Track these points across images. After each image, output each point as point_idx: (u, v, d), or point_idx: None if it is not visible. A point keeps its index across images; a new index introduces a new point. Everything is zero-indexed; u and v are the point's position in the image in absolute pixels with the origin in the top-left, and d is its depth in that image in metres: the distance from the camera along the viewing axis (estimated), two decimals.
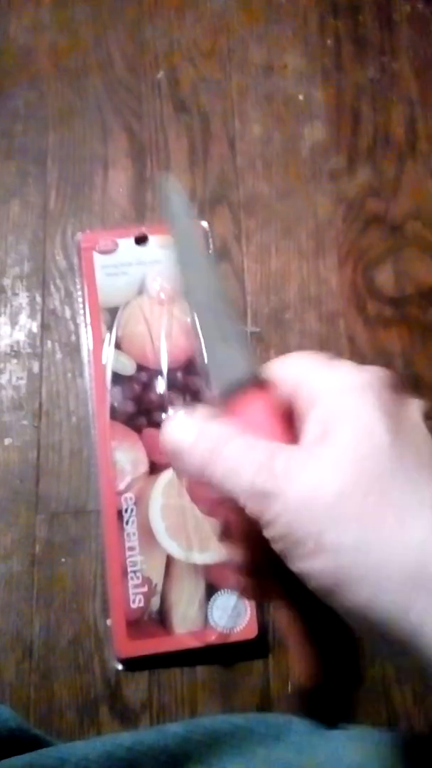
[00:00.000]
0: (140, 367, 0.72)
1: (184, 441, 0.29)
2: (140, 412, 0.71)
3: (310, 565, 0.25)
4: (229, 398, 0.30)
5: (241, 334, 0.33)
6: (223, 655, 0.65)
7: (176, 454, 0.30)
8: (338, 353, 0.75)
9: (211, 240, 0.78)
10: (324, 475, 0.25)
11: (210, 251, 0.78)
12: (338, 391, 0.27)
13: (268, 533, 0.26)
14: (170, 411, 0.71)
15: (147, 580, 0.66)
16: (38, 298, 0.77)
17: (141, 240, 0.77)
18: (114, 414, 0.70)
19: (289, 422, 0.29)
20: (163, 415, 0.71)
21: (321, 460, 0.26)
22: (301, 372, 0.29)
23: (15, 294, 0.77)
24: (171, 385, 0.72)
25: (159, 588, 0.66)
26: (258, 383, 0.30)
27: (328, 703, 0.28)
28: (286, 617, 0.30)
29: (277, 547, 0.26)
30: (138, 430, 0.70)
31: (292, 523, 0.25)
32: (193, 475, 0.29)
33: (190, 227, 0.36)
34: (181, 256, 0.35)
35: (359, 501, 0.25)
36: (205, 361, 0.32)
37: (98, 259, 0.76)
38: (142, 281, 0.75)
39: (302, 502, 0.25)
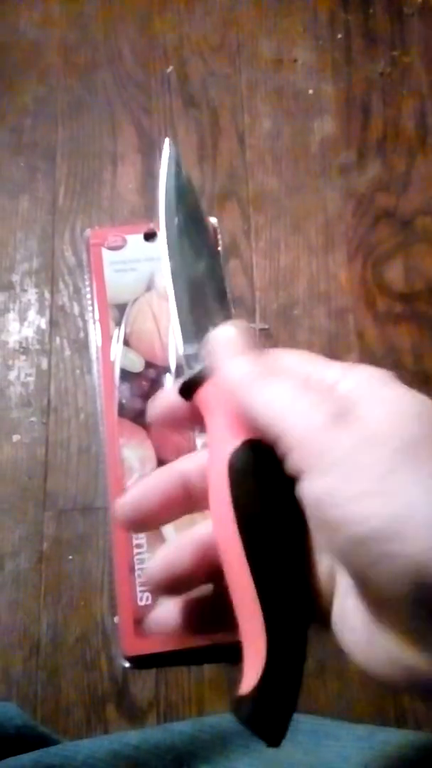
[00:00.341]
0: (149, 364, 0.72)
1: (241, 361, 0.28)
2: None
3: (363, 506, 0.22)
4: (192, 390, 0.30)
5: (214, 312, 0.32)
6: (231, 653, 0.65)
7: (228, 369, 0.28)
8: (347, 349, 0.74)
9: (220, 236, 0.78)
10: (393, 419, 0.24)
11: (219, 247, 0.77)
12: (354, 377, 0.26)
13: (317, 467, 0.24)
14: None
15: None
16: (47, 295, 0.76)
17: (150, 236, 0.77)
18: (122, 411, 0.70)
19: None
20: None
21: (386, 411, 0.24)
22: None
23: (24, 290, 0.77)
24: None
25: None
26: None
27: (274, 717, 0.27)
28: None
29: (321, 484, 0.24)
30: (146, 427, 0.70)
31: (358, 458, 0.23)
32: (237, 390, 0.27)
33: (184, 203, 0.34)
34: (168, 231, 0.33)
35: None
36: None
37: (107, 255, 0.76)
38: (151, 277, 0.75)
39: (371, 437, 0.23)
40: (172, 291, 0.32)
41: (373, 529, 0.22)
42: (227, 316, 0.31)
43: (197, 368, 0.29)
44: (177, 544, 0.30)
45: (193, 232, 0.33)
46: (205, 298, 0.32)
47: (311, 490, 0.24)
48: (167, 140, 0.34)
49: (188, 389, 0.30)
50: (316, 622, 0.28)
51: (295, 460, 0.25)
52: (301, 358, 0.28)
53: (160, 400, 0.31)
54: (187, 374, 0.30)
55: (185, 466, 0.30)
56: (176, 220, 0.33)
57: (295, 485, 0.25)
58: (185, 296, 0.32)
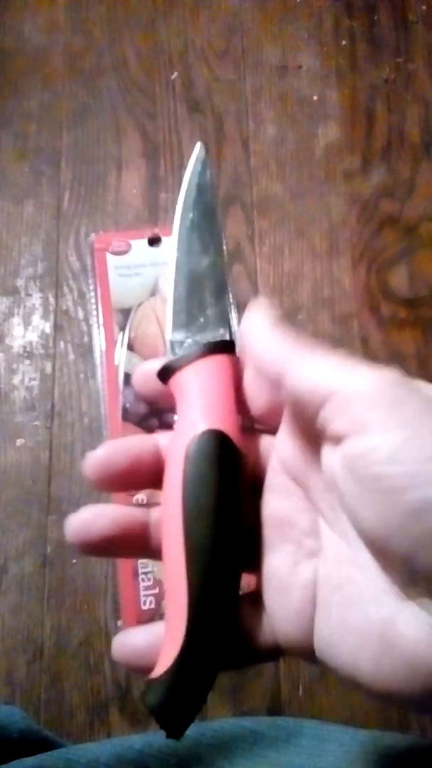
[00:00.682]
0: None
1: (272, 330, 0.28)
2: (152, 414, 0.71)
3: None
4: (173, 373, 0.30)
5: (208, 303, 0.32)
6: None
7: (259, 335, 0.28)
8: (352, 355, 0.74)
9: (224, 241, 0.78)
10: None
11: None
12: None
13: (379, 427, 0.23)
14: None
15: (158, 582, 0.66)
16: (51, 299, 0.77)
17: (154, 241, 0.77)
18: (126, 415, 0.70)
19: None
20: (175, 417, 0.70)
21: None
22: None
23: (28, 295, 0.77)
24: None
25: None
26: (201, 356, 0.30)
27: (179, 707, 0.27)
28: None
29: (386, 442, 0.22)
30: (150, 431, 0.70)
31: (428, 420, 0.22)
32: (266, 360, 0.27)
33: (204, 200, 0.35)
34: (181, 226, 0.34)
35: None
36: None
37: (111, 260, 0.76)
38: (155, 282, 0.75)
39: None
40: (173, 278, 0.32)
41: (393, 484, 0.21)
42: (223, 312, 0.32)
43: (179, 355, 0.30)
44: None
45: (204, 230, 0.33)
46: (203, 291, 0.32)
47: (372, 448, 0.23)
48: (199, 143, 0.34)
49: (166, 373, 0.30)
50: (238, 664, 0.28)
51: (346, 421, 0.23)
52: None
53: (141, 372, 0.31)
54: (168, 358, 0.30)
55: (161, 440, 0.30)
56: (191, 215, 0.33)
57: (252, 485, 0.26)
58: (183, 286, 0.32)
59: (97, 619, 0.66)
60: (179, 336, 0.31)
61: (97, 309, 0.75)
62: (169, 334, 0.31)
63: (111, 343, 0.73)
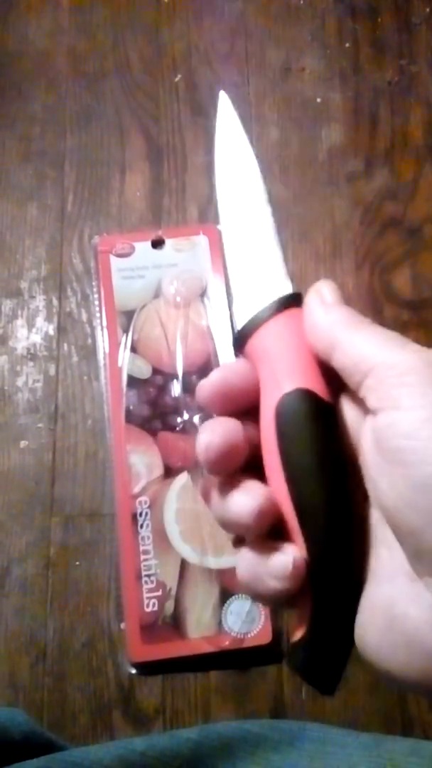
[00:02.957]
0: (156, 371, 0.72)
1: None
2: (155, 416, 0.71)
3: None
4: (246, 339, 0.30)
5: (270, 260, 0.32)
6: (237, 660, 0.65)
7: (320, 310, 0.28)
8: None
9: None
10: None
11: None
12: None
13: (417, 398, 0.24)
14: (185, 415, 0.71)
15: (161, 585, 0.66)
16: (55, 301, 0.77)
17: (157, 243, 0.77)
18: (129, 417, 0.70)
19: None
20: (178, 419, 0.71)
21: None
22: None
23: (32, 297, 0.77)
24: (186, 388, 0.71)
25: (173, 592, 0.66)
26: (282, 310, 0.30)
27: (327, 665, 0.27)
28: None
29: (420, 414, 0.24)
30: (153, 433, 0.70)
31: None
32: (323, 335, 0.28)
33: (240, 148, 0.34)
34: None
35: None
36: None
37: (115, 262, 0.76)
38: (158, 285, 0.75)
39: None
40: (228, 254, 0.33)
41: None
42: (281, 269, 0.32)
43: (248, 319, 0.30)
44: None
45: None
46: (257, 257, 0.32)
47: (400, 420, 0.24)
48: (222, 92, 0.35)
49: (240, 341, 0.30)
50: None
51: (377, 398, 0.25)
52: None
53: (213, 374, 0.30)
54: (240, 325, 0.30)
55: None
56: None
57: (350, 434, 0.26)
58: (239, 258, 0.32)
59: (100, 622, 0.66)
60: (245, 303, 0.31)
61: (100, 311, 0.75)
62: (236, 304, 0.31)
63: (114, 345, 0.73)
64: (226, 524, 0.28)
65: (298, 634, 0.28)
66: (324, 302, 0.28)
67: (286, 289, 0.31)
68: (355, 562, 0.27)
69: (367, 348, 0.26)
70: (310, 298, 0.29)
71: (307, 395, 0.27)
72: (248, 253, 0.32)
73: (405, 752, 0.45)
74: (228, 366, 0.30)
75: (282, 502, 0.27)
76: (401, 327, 0.76)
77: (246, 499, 0.27)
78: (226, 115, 0.34)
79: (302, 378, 0.28)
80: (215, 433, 0.27)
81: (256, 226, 0.33)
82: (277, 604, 0.29)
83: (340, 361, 0.27)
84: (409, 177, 0.82)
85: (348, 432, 0.28)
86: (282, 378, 0.28)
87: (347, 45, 0.88)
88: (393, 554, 0.26)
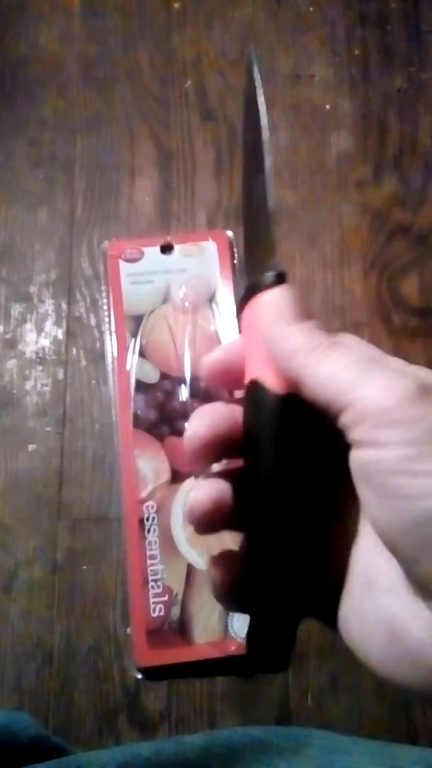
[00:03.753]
0: (164, 376, 0.72)
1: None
2: (163, 420, 0.71)
3: None
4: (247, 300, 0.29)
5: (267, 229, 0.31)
6: (243, 666, 0.65)
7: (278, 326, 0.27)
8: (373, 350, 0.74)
9: (236, 248, 0.78)
10: None
11: (236, 260, 0.77)
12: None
13: (395, 438, 0.23)
14: None
15: (168, 590, 0.66)
16: (64, 306, 0.77)
17: (166, 249, 0.77)
18: (137, 422, 0.71)
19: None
20: (186, 424, 0.71)
21: None
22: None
23: (41, 301, 0.77)
24: (194, 393, 0.72)
25: (179, 597, 0.66)
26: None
27: (270, 648, 0.28)
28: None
29: (398, 454, 0.23)
30: (160, 438, 0.70)
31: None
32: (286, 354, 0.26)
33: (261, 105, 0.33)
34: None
35: None
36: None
37: (124, 267, 0.76)
38: (167, 290, 0.75)
39: None
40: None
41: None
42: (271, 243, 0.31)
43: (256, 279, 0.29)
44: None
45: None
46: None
47: (384, 459, 0.23)
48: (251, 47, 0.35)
49: (239, 312, 0.30)
50: (313, 615, 0.28)
51: (358, 433, 0.24)
52: (360, 341, 0.27)
53: (214, 352, 0.30)
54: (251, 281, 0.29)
55: None
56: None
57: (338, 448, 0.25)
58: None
59: (107, 626, 0.66)
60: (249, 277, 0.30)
61: (109, 316, 0.75)
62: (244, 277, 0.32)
63: (123, 349, 0.73)
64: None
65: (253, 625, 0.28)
66: (283, 320, 0.27)
67: (275, 265, 0.29)
68: (301, 545, 0.27)
69: (336, 381, 0.25)
70: (265, 319, 0.27)
71: (258, 386, 0.27)
72: (250, 224, 0.32)
73: (411, 760, 0.45)
74: (229, 344, 0.30)
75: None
76: (409, 334, 0.76)
77: (193, 493, 0.28)
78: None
79: (258, 368, 0.27)
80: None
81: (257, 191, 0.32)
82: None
83: (310, 396, 0.25)
84: (417, 184, 0.82)
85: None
86: (255, 354, 0.28)
87: (357, 52, 0.88)
88: (391, 566, 0.25)
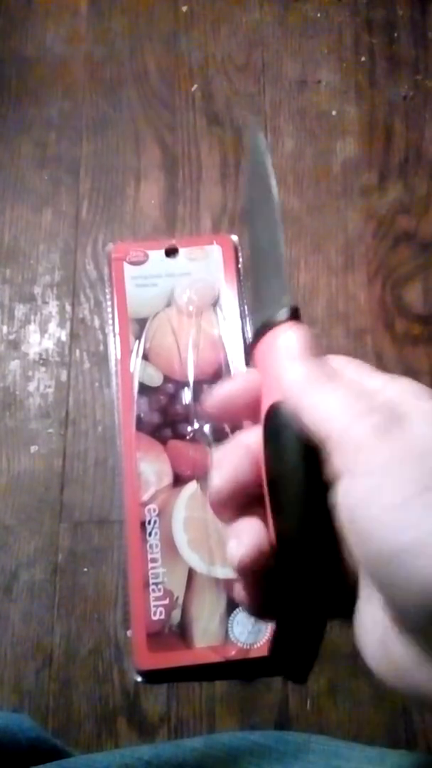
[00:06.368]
0: (167, 379, 0.72)
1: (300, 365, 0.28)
2: (166, 424, 0.71)
3: (401, 517, 0.22)
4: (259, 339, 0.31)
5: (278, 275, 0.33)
6: (243, 670, 0.65)
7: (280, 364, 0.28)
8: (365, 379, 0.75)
9: (240, 253, 0.79)
10: None
11: (239, 265, 0.78)
12: None
13: (358, 472, 0.24)
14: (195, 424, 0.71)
15: (168, 593, 0.66)
16: (68, 307, 0.77)
17: (171, 252, 0.77)
18: (140, 425, 0.71)
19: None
20: (188, 428, 0.71)
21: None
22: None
23: (45, 302, 0.77)
24: (197, 397, 0.72)
25: (180, 601, 0.66)
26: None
27: (296, 657, 0.28)
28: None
29: (359, 489, 0.24)
30: (163, 441, 0.70)
31: (401, 469, 0.23)
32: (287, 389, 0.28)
33: (265, 171, 0.35)
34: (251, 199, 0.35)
35: None
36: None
37: (128, 270, 0.76)
38: (171, 293, 0.75)
39: (417, 450, 0.24)
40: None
41: (407, 542, 0.22)
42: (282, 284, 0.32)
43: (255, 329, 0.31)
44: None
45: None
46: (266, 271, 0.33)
47: (348, 493, 0.24)
48: (252, 117, 0.37)
49: (249, 349, 0.31)
50: (339, 616, 0.28)
51: (335, 463, 0.25)
52: (348, 363, 0.29)
53: (226, 383, 0.31)
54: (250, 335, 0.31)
55: None
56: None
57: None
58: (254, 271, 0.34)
59: (107, 629, 0.67)
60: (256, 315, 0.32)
61: (113, 318, 0.75)
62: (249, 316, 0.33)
63: (126, 352, 0.73)
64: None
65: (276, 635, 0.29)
66: (290, 355, 0.28)
67: (289, 302, 0.31)
68: (326, 564, 0.27)
69: (323, 412, 0.26)
70: (276, 353, 0.29)
71: (280, 410, 0.28)
72: (260, 266, 0.33)
73: (410, 766, 0.46)
74: (234, 379, 0.31)
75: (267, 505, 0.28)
76: (412, 341, 0.77)
77: (234, 544, 0.28)
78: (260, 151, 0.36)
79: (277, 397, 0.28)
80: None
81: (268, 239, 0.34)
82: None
83: (305, 423, 0.27)
84: (422, 191, 0.82)
85: None
86: (272, 388, 0.28)
87: (363, 59, 0.88)
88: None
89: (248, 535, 0.29)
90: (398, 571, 0.22)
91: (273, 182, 0.34)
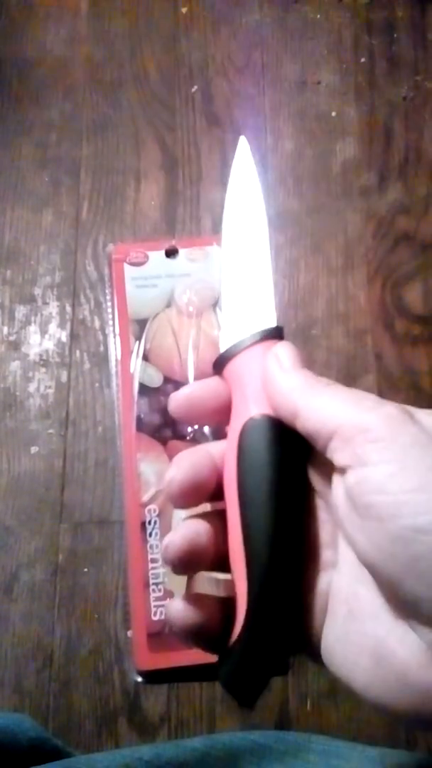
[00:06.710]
0: (167, 379, 0.72)
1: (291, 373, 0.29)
2: (166, 424, 0.71)
3: (420, 499, 0.23)
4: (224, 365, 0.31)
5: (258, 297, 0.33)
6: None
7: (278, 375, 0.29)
8: (365, 370, 0.75)
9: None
10: None
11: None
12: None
13: (375, 459, 0.24)
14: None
15: (169, 593, 0.66)
16: (68, 308, 0.77)
17: (171, 253, 0.77)
18: (140, 425, 0.71)
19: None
20: (189, 429, 0.71)
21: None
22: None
23: (45, 303, 0.77)
24: None
25: None
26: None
27: (248, 677, 0.28)
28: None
29: (378, 474, 0.24)
30: (163, 441, 0.70)
31: (420, 454, 0.24)
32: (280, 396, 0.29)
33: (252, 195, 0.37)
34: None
35: None
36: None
37: (128, 270, 0.76)
38: (171, 294, 0.76)
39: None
40: (223, 282, 0.34)
41: (426, 523, 0.22)
42: (269, 303, 0.33)
43: (232, 344, 0.31)
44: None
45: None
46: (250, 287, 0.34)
47: (365, 480, 0.24)
48: (242, 137, 0.37)
49: (220, 364, 0.31)
50: (302, 651, 0.29)
51: (342, 457, 0.25)
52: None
53: (185, 388, 0.32)
54: (223, 349, 0.31)
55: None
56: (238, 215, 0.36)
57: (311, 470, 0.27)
58: (232, 286, 0.34)
59: (107, 629, 0.67)
60: (231, 330, 0.32)
61: (113, 319, 0.75)
62: (223, 329, 0.33)
63: (126, 352, 0.73)
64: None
65: (231, 641, 0.28)
66: (282, 368, 0.29)
67: (270, 321, 0.32)
68: (296, 589, 0.28)
69: (327, 411, 0.27)
70: (269, 364, 0.29)
71: (272, 421, 0.28)
72: (241, 282, 0.34)
73: (410, 766, 0.46)
74: (201, 383, 0.32)
75: (233, 523, 0.28)
76: (412, 341, 0.77)
77: (170, 534, 0.29)
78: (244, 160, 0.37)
79: (258, 408, 0.29)
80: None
81: (253, 254, 0.34)
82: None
83: (304, 427, 0.27)
84: (422, 192, 0.83)
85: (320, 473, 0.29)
86: (251, 402, 0.29)
87: (363, 60, 0.88)
88: (372, 594, 0.26)
89: (187, 527, 0.29)
90: (416, 551, 0.23)
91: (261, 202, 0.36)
